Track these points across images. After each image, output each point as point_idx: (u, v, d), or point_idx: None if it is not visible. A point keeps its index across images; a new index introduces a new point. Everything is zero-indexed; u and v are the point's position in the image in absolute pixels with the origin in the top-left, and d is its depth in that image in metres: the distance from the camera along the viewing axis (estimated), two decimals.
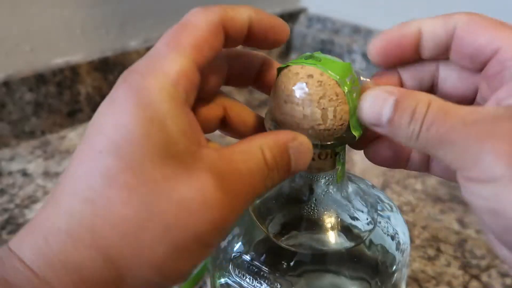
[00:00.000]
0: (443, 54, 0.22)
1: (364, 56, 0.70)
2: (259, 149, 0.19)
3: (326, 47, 0.75)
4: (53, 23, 0.56)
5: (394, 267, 0.27)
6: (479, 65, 0.21)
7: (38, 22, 0.55)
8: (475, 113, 0.17)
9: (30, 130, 0.57)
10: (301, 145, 0.21)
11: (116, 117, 0.16)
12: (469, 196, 0.18)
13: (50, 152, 0.55)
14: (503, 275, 0.38)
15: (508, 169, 0.16)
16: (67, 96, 0.58)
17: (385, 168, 0.51)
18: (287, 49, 0.81)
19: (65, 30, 0.57)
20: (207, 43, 0.18)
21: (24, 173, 0.51)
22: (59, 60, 0.58)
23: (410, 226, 0.43)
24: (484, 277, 0.37)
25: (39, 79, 0.56)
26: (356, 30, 0.72)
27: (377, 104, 0.20)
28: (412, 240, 0.41)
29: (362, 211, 0.27)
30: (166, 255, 0.16)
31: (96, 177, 0.16)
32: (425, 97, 0.19)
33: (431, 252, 0.40)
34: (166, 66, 0.17)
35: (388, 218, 0.28)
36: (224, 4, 0.21)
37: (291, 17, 0.79)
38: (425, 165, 0.24)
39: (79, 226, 0.16)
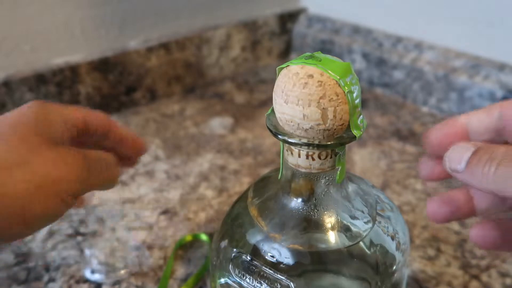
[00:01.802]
0: (493, 139, 0.25)
1: (364, 56, 0.70)
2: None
3: (326, 47, 0.75)
4: (53, 23, 0.56)
5: (394, 267, 0.27)
6: None
7: (38, 22, 0.55)
8: None
9: None
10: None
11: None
12: None
13: None
14: (503, 275, 0.38)
15: None
16: (67, 96, 0.58)
17: (385, 168, 0.51)
18: (287, 49, 0.81)
19: (65, 30, 0.57)
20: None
21: None
22: (59, 60, 0.58)
23: (410, 226, 0.43)
24: (484, 277, 0.37)
25: (39, 79, 0.56)
26: (356, 30, 0.72)
27: (460, 151, 0.22)
28: (412, 240, 0.41)
29: (362, 211, 0.27)
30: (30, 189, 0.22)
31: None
32: (502, 146, 0.21)
33: (431, 252, 0.40)
34: None
35: (388, 218, 0.28)
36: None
37: (291, 17, 0.79)
38: None
39: None
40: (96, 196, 0.47)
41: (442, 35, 0.62)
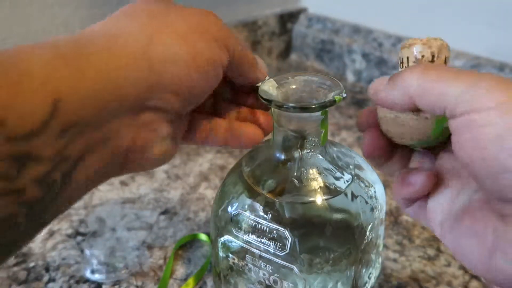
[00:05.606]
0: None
1: (364, 56, 0.70)
2: None
3: (326, 47, 0.75)
4: (53, 23, 0.56)
5: (377, 213, 0.31)
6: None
7: (38, 22, 0.55)
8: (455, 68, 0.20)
9: None
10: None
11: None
12: (459, 140, 0.19)
13: None
14: None
15: (503, 97, 0.17)
16: None
17: None
18: (287, 49, 0.81)
19: (65, 30, 0.57)
20: None
21: None
22: None
23: (410, 226, 0.43)
24: None
25: None
26: (356, 30, 0.72)
27: (381, 78, 0.23)
28: (412, 240, 0.41)
29: (344, 170, 0.31)
30: (186, 30, 0.22)
31: (137, 12, 0.23)
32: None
33: (431, 252, 0.40)
34: None
35: (365, 175, 0.32)
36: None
37: (291, 17, 0.79)
38: (406, 162, 0.26)
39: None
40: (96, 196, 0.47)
41: (442, 35, 0.62)
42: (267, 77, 0.29)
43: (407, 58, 0.23)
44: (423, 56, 0.22)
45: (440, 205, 0.23)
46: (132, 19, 0.22)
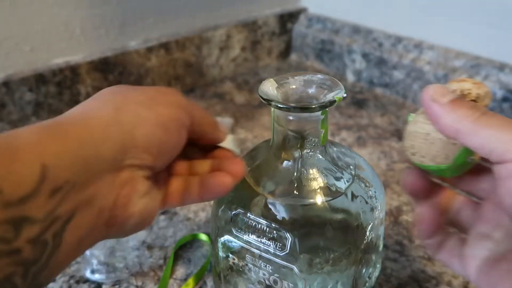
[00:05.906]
0: None
1: (364, 56, 0.70)
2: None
3: (326, 47, 0.75)
4: (53, 23, 0.56)
5: (376, 213, 0.31)
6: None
7: (38, 22, 0.55)
8: None
9: None
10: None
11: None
12: (505, 184, 0.20)
13: None
14: None
15: None
16: (67, 96, 0.58)
17: (385, 168, 0.51)
18: (287, 49, 0.81)
19: (65, 30, 0.57)
20: None
21: None
22: (59, 60, 0.58)
23: (410, 226, 0.43)
24: None
25: (39, 79, 0.56)
26: (356, 30, 0.72)
27: (444, 88, 0.23)
28: (412, 240, 0.41)
29: (344, 170, 0.31)
30: (146, 100, 0.25)
31: (102, 95, 0.25)
32: None
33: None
34: None
35: (365, 176, 0.32)
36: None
37: (291, 17, 0.79)
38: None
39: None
40: None
41: (442, 35, 0.62)
42: (230, 135, 0.29)
43: (454, 90, 0.23)
44: (469, 93, 0.23)
45: (480, 252, 0.24)
46: (98, 100, 0.25)
